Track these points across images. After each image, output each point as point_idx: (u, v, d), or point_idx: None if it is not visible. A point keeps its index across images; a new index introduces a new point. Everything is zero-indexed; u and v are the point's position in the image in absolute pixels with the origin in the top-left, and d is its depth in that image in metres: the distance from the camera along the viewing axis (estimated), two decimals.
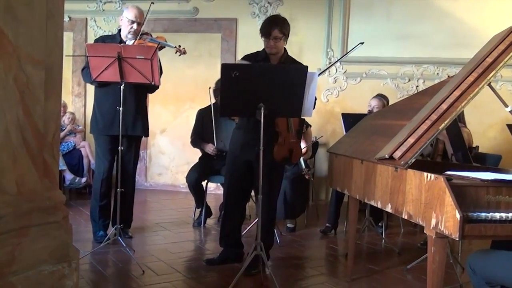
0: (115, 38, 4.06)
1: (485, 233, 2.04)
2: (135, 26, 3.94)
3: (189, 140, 5.00)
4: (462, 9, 6.15)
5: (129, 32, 3.96)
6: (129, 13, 3.97)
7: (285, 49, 3.56)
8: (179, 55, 3.97)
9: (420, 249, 4.12)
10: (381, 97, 5.17)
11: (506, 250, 2.19)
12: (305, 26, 6.50)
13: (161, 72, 3.88)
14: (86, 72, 3.92)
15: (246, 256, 3.30)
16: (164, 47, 3.89)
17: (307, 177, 4.87)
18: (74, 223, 2.45)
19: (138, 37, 3.93)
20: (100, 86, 3.98)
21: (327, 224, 4.75)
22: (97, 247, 3.76)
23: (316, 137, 4.93)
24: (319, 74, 3.41)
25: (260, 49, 3.58)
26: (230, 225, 3.66)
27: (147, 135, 4.24)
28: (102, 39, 4.13)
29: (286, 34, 3.46)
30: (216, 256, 3.67)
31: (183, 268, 3.53)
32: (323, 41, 6.51)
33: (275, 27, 3.39)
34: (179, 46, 3.93)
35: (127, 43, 3.95)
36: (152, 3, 3.83)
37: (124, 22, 3.99)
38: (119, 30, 4.07)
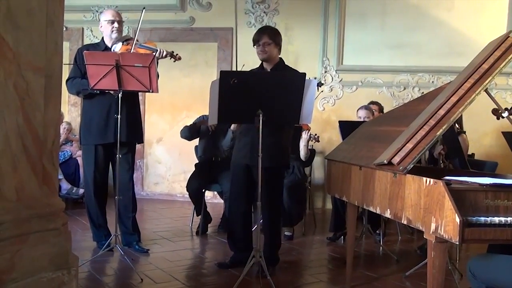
0: (99, 46, 4.04)
1: (484, 237, 2.05)
2: (116, 24, 3.94)
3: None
4: (456, 18, 6.21)
5: (112, 32, 3.94)
6: (106, 15, 3.98)
7: (280, 58, 3.66)
8: (174, 61, 3.94)
9: (418, 256, 4.12)
10: (370, 104, 5.21)
11: (503, 254, 2.20)
12: (301, 36, 6.55)
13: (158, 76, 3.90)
14: (74, 83, 3.92)
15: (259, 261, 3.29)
16: (170, 58, 3.88)
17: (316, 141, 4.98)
18: (71, 232, 2.44)
19: (125, 43, 3.90)
20: (87, 97, 3.96)
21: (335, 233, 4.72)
22: (96, 255, 3.74)
23: (316, 135, 4.92)
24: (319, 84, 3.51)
25: (255, 58, 3.70)
26: (237, 229, 3.70)
27: (141, 141, 4.22)
28: (86, 48, 4.05)
29: (276, 41, 3.59)
30: (227, 260, 3.71)
31: (181, 276, 3.51)
32: (319, 50, 6.54)
33: (264, 33, 3.57)
34: (172, 52, 3.91)
35: (114, 47, 3.91)
36: (144, 8, 3.81)
37: (104, 26, 3.97)
38: (103, 38, 4.05)
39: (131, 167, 4.09)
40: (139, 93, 4.12)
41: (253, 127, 3.27)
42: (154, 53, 3.66)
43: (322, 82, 4.13)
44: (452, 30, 6.20)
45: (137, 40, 3.92)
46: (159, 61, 3.87)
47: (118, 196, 3.72)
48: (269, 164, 3.37)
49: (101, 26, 4.01)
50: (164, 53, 3.85)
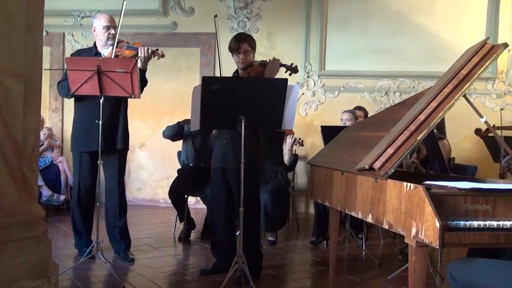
0: (91, 51, 4.01)
1: (464, 241, 2.07)
2: (112, 30, 3.89)
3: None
4: (437, 24, 6.30)
5: (108, 39, 3.88)
6: (101, 21, 3.91)
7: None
8: (158, 59, 3.89)
9: (400, 260, 4.15)
10: (355, 110, 5.25)
11: (482, 258, 2.23)
12: (283, 41, 6.58)
13: (146, 83, 3.92)
14: (63, 85, 3.87)
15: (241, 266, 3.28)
16: (154, 56, 3.84)
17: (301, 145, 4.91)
18: (52, 240, 2.41)
19: (116, 45, 3.85)
20: (77, 100, 3.94)
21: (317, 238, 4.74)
22: (77, 263, 3.69)
23: (300, 139, 4.89)
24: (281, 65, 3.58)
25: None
26: (220, 235, 3.69)
27: (127, 148, 4.14)
28: (79, 53, 4.08)
29: (254, 48, 3.68)
30: (209, 266, 3.69)
31: (164, 283, 3.48)
32: (301, 55, 6.57)
33: (243, 41, 3.62)
34: (157, 49, 3.86)
35: (104, 52, 3.88)
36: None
37: (99, 31, 3.92)
38: (95, 43, 4.01)
39: (117, 174, 4.01)
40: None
41: (225, 131, 3.37)
42: (136, 52, 3.66)
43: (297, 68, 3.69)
44: (433, 36, 6.29)
45: (127, 42, 3.91)
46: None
47: (100, 203, 3.69)
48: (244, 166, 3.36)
49: (95, 31, 3.94)
50: (149, 51, 3.79)
